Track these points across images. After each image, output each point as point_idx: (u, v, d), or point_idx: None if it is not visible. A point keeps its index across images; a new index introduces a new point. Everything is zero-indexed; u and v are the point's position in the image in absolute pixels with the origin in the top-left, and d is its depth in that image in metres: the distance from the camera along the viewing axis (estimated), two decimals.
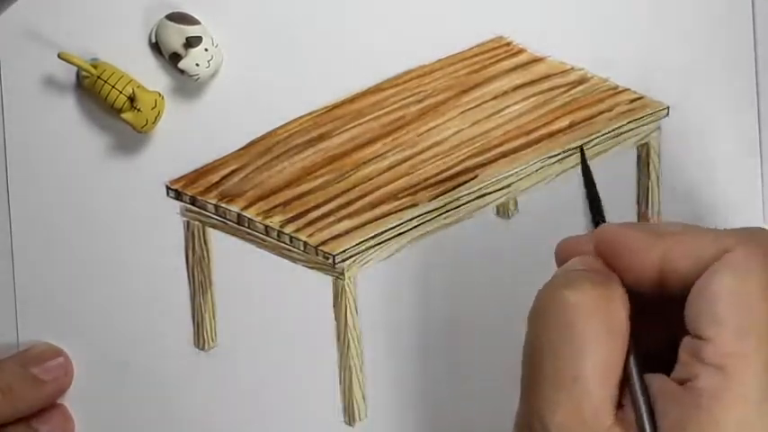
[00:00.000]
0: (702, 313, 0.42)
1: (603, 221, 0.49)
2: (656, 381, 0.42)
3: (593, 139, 0.58)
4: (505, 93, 0.58)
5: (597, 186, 0.57)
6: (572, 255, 0.47)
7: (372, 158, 0.57)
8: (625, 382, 0.43)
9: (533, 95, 0.58)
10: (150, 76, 0.56)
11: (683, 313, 0.43)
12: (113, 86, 0.55)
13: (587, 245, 0.46)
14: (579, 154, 0.54)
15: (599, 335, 0.42)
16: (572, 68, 0.58)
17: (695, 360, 0.41)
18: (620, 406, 0.42)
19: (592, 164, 0.58)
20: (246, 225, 0.56)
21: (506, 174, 0.57)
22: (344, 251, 0.56)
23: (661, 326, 0.45)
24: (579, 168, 0.58)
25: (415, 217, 0.57)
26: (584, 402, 0.42)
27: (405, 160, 0.57)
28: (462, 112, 0.58)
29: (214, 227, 0.57)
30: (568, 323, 0.43)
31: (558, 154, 0.58)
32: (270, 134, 0.57)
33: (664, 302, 0.44)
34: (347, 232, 0.56)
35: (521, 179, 0.57)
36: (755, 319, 0.41)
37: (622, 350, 0.43)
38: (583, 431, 0.42)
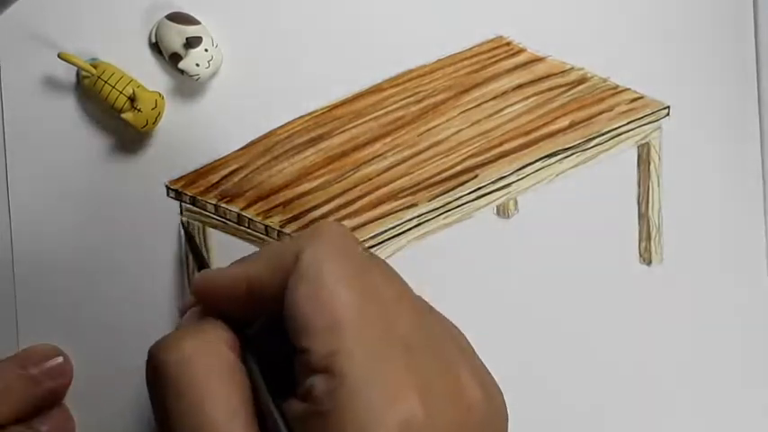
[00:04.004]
0: (294, 326, 0.42)
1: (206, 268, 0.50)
2: (290, 405, 0.42)
3: (593, 139, 0.58)
4: (505, 93, 0.58)
5: (595, 187, 0.58)
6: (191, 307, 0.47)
7: (372, 158, 0.57)
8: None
9: (533, 95, 0.58)
10: (150, 76, 0.56)
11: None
12: (113, 86, 0.55)
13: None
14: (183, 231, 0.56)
15: (208, 382, 0.42)
16: (572, 68, 0.58)
17: (306, 371, 0.41)
18: None
19: (592, 163, 0.58)
20: (246, 225, 0.56)
21: (506, 174, 0.57)
22: None
23: None
24: (577, 169, 0.58)
25: (415, 217, 0.57)
26: None
27: (404, 160, 0.57)
28: (462, 112, 0.58)
29: (214, 227, 0.57)
30: (176, 381, 0.42)
31: (558, 154, 0.58)
32: (270, 134, 0.57)
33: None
34: None
35: (521, 179, 0.57)
36: (340, 313, 0.41)
37: (242, 388, 0.43)
38: None
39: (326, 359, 0.41)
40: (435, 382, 0.42)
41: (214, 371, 0.42)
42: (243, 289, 0.44)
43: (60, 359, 0.56)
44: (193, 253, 0.54)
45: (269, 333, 0.45)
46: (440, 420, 0.42)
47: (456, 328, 0.47)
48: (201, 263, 0.53)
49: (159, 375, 0.43)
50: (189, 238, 0.55)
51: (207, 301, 0.46)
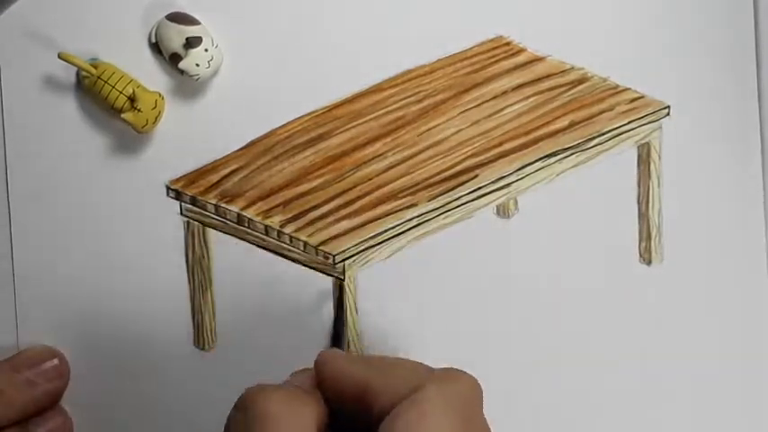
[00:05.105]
0: None
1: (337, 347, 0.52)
2: None
3: (593, 139, 0.58)
4: (505, 93, 0.58)
5: (595, 187, 0.58)
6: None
7: (372, 158, 0.57)
8: None
9: (533, 95, 0.58)
10: (150, 76, 0.56)
11: None
12: (113, 87, 0.55)
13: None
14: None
15: None
16: (572, 68, 0.58)
17: None
18: None
19: (592, 163, 0.58)
20: (246, 225, 0.56)
21: (506, 174, 0.57)
22: (344, 251, 0.56)
23: None
24: (577, 169, 0.58)
25: (415, 217, 0.57)
26: None
27: (404, 160, 0.57)
28: (462, 112, 0.58)
29: (214, 227, 0.57)
30: (258, 425, 0.43)
31: (558, 154, 0.58)
32: (270, 134, 0.57)
33: None
34: (347, 232, 0.56)
35: (521, 179, 0.57)
36: None
37: None
38: None
39: None
40: None
41: None
42: (357, 391, 0.44)
43: (56, 361, 0.56)
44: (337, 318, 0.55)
45: None
46: None
47: None
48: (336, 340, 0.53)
49: (245, 417, 0.43)
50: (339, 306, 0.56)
51: (322, 378, 0.46)
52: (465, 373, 0.45)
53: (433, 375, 0.44)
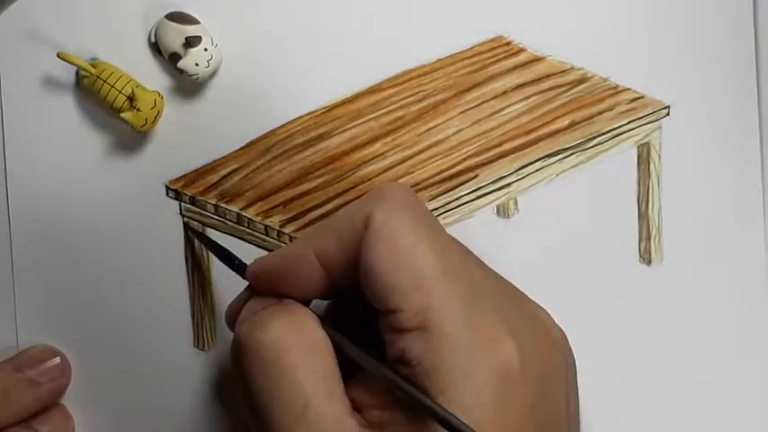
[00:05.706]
0: (377, 289, 0.42)
1: (244, 264, 0.50)
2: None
3: (593, 139, 0.58)
4: (505, 92, 0.58)
5: (595, 187, 0.58)
6: (239, 310, 0.47)
7: (372, 158, 0.57)
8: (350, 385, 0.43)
9: (533, 95, 0.58)
10: (150, 75, 0.56)
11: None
12: (113, 86, 0.55)
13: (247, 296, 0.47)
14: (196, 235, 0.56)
15: (305, 358, 0.42)
16: (572, 68, 0.58)
17: (396, 332, 0.41)
18: (362, 408, 0.43)
19: (592, 163, 0.58)
20: (246, 225, 0.56)
21: (506, 174, 0.57)
22: None
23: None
24: (577, 169, 0.58)
25: None
26: (323, 424, 0.41)
27: (404, 160, 0.57)
28: (462, 112, 0.58)
29: (214, 227, 0.57)
30: (273, 361, 0.42)
31: (559, 153, 0.58)
32: (269, 134, 0.57)
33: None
34: None
35: (521, 179, 0.57)
36: (424, 269, 0.42)
37: (333, 361, 0.43)
38: None
39: (418, 317, 0.41)
40: (522, 324, 0.43)
41: (309, 347, 0.43)
42: (313, 262, 0.44)
43: (57, 360, 0.56)
44: (213, 250, 0.54)
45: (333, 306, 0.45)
46: (532, 360, 0.42)
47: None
48: (233, 260, 0.53)
49: (254, 356, 0.43)
50: (203, 239, 0.55)
51: (276, 282, 0.45)
52: (389, 183, 0.45)
53: (368, 204, 0.44)
